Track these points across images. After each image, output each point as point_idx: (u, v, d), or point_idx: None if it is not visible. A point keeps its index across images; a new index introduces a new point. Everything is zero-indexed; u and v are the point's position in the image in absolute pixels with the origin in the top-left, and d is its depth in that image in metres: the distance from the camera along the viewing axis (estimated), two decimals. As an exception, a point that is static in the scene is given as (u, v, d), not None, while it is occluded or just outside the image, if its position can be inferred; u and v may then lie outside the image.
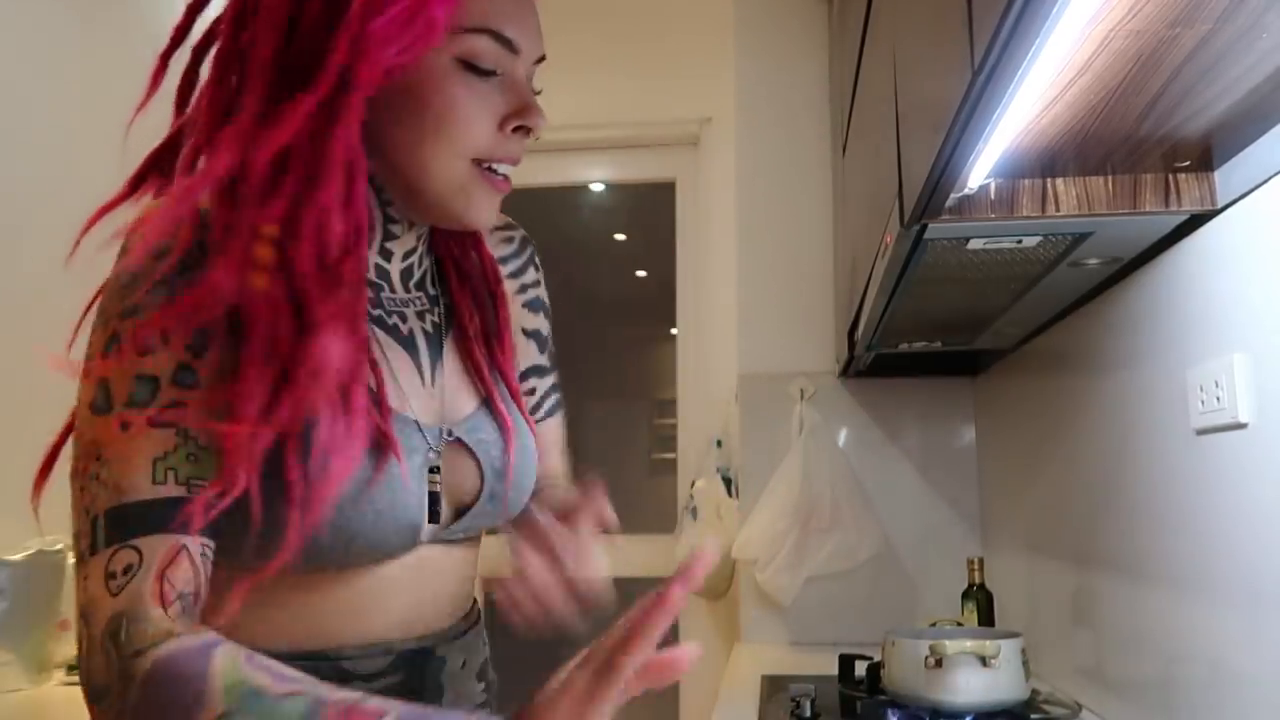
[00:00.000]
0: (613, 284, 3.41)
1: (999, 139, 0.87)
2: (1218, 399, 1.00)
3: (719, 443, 2.64)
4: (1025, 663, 1.30)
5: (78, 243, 0.73)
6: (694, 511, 2.54)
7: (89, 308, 0.72)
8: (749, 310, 2.35)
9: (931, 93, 0.89)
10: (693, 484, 2.61)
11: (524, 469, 0.84)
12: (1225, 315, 1.01)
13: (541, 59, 0.77)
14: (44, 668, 2.05)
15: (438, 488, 0.78)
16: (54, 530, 2.24)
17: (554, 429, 1.01)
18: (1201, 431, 1.05)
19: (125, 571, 0.62)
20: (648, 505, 2.97)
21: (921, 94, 0.96)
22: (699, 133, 2.94)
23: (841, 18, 1.98)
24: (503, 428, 0.83)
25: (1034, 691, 1.38)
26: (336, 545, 0.71)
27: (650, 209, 3.16)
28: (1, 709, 1.87)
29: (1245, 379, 0.96)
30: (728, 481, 2.53)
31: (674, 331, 2.96)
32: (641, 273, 3.38)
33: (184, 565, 0.64)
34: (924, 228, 1.06)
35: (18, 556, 2.06)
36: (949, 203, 0.99)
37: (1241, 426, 0.97)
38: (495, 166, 0.75)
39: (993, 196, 1.03)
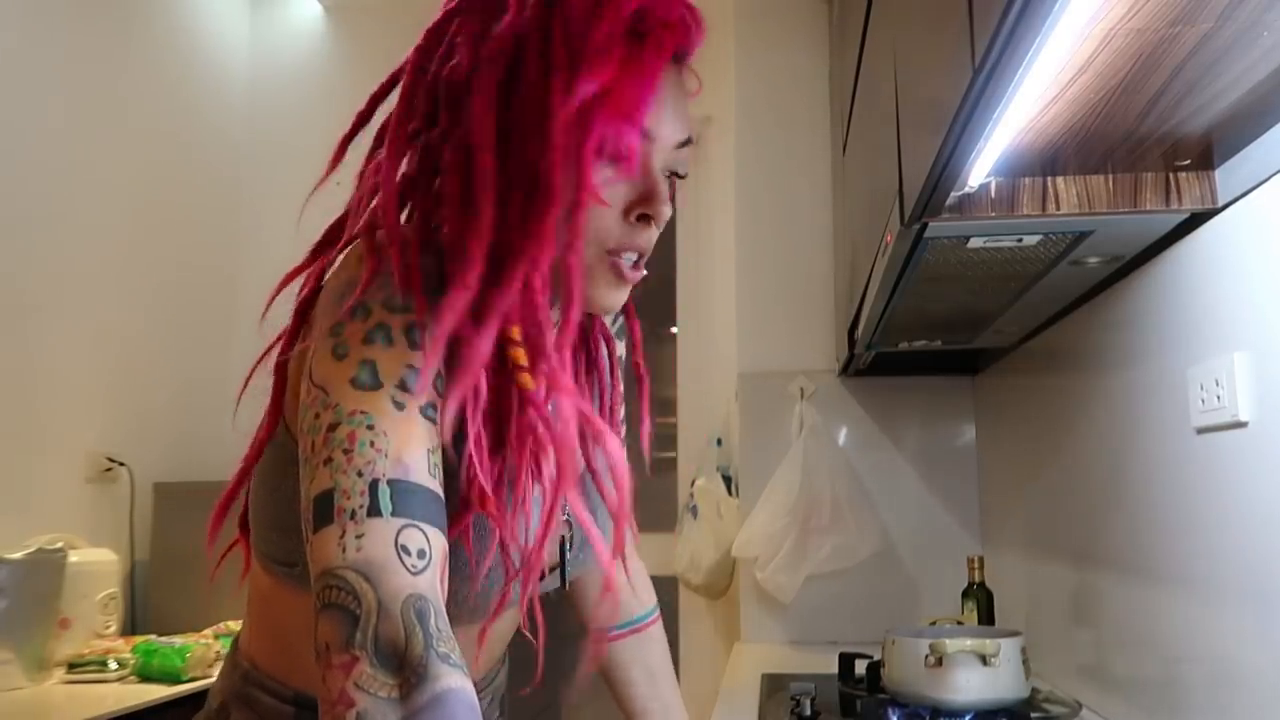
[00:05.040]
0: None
1: (999, 137, 0.87)
2: (1218, 397, 1.00)
3: (719, 441, 2.64)
4: (1025, 661, 1.30)
5: (268, 306, 0.77)
6: (694, 510, 2.54)
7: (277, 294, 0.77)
8: (749, 309, 2.35)
9: (932, 91, 0.89)
10: (693, 482, 2.60)
11: (590, 557, 0.88)
12: (1226, 314, 1.01)
13: (687, 142, 0.75)
14: (44, 666, 2.05)
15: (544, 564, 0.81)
16: (54, 530, 2.24)
17: None
18: (1202, 430, 1.05)
19: (420, 555, 0.59)
20: (648, 503, 2.96)
21: (922, 92, 0.96)
22: (699, 132, 2.94)
23: (841, 17, 1.98)
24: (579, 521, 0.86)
25: (1034, 690, 1.38)
26: (476, 604, 0.73)
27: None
28: (1, 707, 1.87)
29: (1246, 377, 0.96)
30: (728, 480, 2.53)
31: (674, 330, 2.96)
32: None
33: (445, 578, 0.62)
34: (924, 226, 1.06)
35: (18, 555, 2.05)
36: (949, 201, 0.99)
37: (1242, 425, 0.97)
38: (624, 255, 0.74)
39: (993, 195, 1.03)
